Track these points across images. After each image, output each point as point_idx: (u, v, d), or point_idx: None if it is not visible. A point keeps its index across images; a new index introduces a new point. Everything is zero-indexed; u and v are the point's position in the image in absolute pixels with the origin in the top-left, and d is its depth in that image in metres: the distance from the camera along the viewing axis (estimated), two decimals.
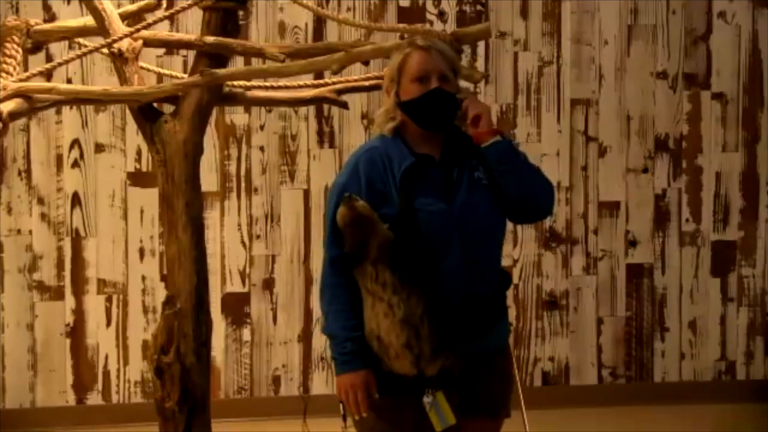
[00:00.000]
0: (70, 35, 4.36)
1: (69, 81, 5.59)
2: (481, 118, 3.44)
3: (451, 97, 3.46)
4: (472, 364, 3.48)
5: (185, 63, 5.51)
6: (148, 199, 5.71)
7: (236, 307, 5.88)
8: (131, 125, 5.11)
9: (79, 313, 5.77)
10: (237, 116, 5.84)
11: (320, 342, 5.83)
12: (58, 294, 5.75)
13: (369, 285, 3.39)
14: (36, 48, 4.20)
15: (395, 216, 3.39)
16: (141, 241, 5.80)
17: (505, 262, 5.97)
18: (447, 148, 3.49)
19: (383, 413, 3.45)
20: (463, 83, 3.64)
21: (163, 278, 5.55)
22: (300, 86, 4.34)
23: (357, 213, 3.37)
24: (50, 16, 5.58)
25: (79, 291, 5.76)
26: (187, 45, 4.23)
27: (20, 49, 4.06)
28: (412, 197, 3.40)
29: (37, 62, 4.62)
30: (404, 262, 3.36)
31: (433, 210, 3.40)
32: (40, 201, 5.74)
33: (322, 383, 5.89)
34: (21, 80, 3.90)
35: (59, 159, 5.75)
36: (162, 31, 4.41)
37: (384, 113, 3.54)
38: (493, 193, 3.47)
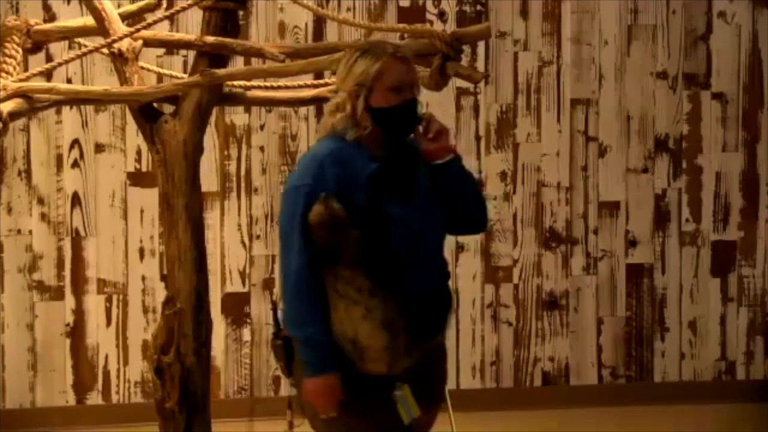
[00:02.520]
0: (70, 35, 4.37)
1: (69, 81, 5.59)
2: (443, 134, 3.55)
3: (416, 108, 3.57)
4: (425, 357, 3.57)
5: (185, 63, 5.51)
6: (148, 199, 5.71)
7: (236, 307, 5.87)
8: (131, 125, 5.11)
9: (79, 313, 5.77)
10: (237, 116, 5.83)
11: None
12: (58, 294, 5.75)
13: (340, 288, 3.42)
14: (36, 48, 4.21)
15: (362, 220, 3.43)
16: (141, 241, 5.80)
17: (505, 262, 5.97)
18: (392, 155, 3.55)
19: (354, 413, 3.51)
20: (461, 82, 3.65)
21: (163, 278, 5.55)
22: (300, 86, 4.34)
23: (334, 214, 3.40)
24: (50, 16, 5.58)
25: (79, 291, 5.76)
26: (187, 45, 4.24)
27: (20, 49, 4.07)
28: (380, 201, 3.46)
29: (37, 62, 4.62)
30: (378, 266, 3.42)
31: (401, 214, 3.48)
32: (40, 201, 5.74)
33: None
34: (21, 80, 3.90)
35: (59, 159, 5.75)
36: (162, 31, 4.41)
37: (346, 118, 3.53)
38: (436, 195, 3.59)
